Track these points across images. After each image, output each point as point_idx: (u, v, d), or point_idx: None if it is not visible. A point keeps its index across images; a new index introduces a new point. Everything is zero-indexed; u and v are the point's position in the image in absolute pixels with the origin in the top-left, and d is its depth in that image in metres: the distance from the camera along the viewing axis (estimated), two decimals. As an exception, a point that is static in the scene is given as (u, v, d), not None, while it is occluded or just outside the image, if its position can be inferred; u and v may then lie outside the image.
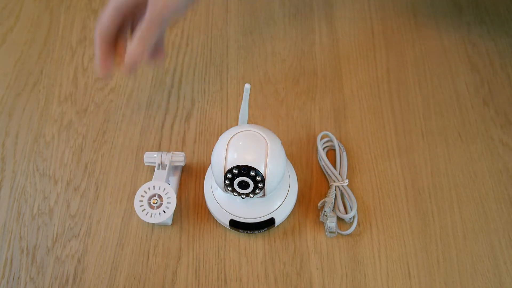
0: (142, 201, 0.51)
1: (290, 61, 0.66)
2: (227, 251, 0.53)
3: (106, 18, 0.46)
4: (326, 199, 0.53)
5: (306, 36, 0.68)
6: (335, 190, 0.54)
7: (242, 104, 0.48)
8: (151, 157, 0.56)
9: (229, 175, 0.45)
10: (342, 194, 0.55)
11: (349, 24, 0.69)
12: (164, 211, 0.51)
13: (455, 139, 0.59)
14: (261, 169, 0.44)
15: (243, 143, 0.45)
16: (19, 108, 0.64)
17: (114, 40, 0.48)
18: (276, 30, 0.69)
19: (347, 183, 0.55)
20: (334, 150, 0.58)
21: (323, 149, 0.58)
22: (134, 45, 0.45)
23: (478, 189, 0.56)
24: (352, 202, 0.53)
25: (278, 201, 0.52)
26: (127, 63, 0.46)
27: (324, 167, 0.57)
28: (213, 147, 0.48)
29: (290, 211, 0.53)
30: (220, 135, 0.48)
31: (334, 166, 0.56)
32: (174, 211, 0.53)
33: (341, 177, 0.55)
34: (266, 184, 0.45)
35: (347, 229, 0.53)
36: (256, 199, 0.50)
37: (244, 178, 0.45)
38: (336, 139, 0.58)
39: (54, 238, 0.54)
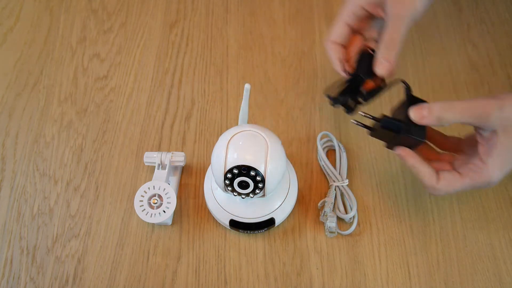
0: (142, 201, 0.51)
1: (290, 61, 0.66)
2: (227, 251, 0.53)
3: (335, 28, 0.47)
4: (326, 199, 0.53)
5: (306, 36, 0.68)
6: (335, 190, 0.54)
7: (242, 104, 0.48)
8: (151, 157, 0.56)
9: (229, 175, 0.45)
10: (342, 194, 0.55)
11: (349, 24, 0.69)
12: (164, 211, 0.51)
13: (455, 139, 0.59)
14: (261, 169, 0.44)
15: (243, 143, 0.45)
16: (19, 108, 0.64)
17: (345, 46, 0.48)
18: (276, 30, 0.69)
19: (347, 183, 0.55)
20: (334, 150, 0.58)
21: (323, 149, 0.58)
22: (384, 50, 0.45)
23: (478, 189, 0.56)
24: (352, 202, 0.53)
25: (278, 201, 0.52)
26: (385, 70, 0.45)
27: (324, 167, 0.57)
28: (213, 147, 0.48)
29: (290, 211, 0.53)
30: (220, 135, 0.48)
31: (334, 166, 0.56)
32: (174, 211, 0.53)
33: (341, 177, 0.55)
34: (266, 184, 0.45)
35: (347, 229, 0.53)
36: (256, 199, 0.50)
37: (244, 178, 0.45)
38: (336, 139, 0.58)
39: (54, 238, 0.54)
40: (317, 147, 0.58)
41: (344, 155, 0.57)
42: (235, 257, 0.53)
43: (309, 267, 0.52)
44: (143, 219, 0.51)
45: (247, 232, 0.52)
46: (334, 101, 0.46)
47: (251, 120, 0.62)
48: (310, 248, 0.53)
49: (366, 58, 0.47)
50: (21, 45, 0.69)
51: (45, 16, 0.72)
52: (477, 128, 0.42)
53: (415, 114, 0.41)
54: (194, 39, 0.69)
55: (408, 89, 0.44)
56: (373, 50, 0.48)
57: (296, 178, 0.55)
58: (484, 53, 0.65)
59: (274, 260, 0.52)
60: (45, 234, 0.55)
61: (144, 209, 0.51)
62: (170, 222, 0.54)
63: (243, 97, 0.46)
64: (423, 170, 0.42)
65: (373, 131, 0.45)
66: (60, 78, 0.66)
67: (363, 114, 0.45)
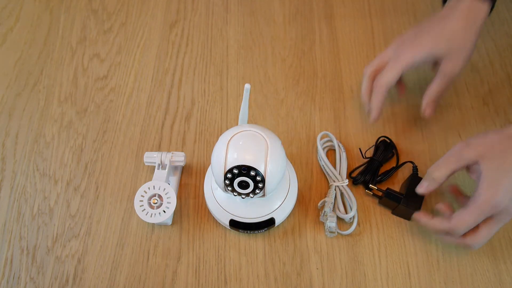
0: (142, 201, 0.51)
1: (290, 61, 0.66)
2: (227, 251, 0.53)
3: (394, 76, 0.53)
4: (326, 199, 0.53)
5: (306, 36, 0.68)
6: (335, 190, 0.54)
7: (242, 104, 0.48)
8: (151, 157, 0.56)
9: (229, 175, 0.45)
10: (342, 194, 0.54)
11: (349, 24, 0.69)
12: (164, 211, 0.51)
13: (455, 139, 0.59)
14: (261, 169, 0.44)
15: (243, 143, 0.45)
16: (19, 108, 0.64)
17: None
18: (276, 30, 0.69)
19: (347, 183, 0.55)
20: (334, 150, 0.58)
21: (323, 149, 0.58)
22: (429, 97, 0.55)
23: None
24: (352, 202, 0.53)
25: (278, 201, 0.52)
26: (427, 112, 0.56)
27: (324, 167, 0.57)
28: (213, 147, 0.48)
29: (290, 211, 0.53)
30: (220, 135, 0.48)
31: (334, 166, 0.56)
32: (174, 211, 0.53)
33: (341, 177, 0.55)
34: (266, 184, 0.45)
35: (347, 229, 0.53)
36: (256, 199, 0.50)
37: (244, 178, 0.45)
38: (336, 139, 0.58)
39: (54, 238, 0.54)
40: (317, 147, 0.58)
41: (344, 155, 0.57)
42: (235, 257, 0.53)
43: (309, 267, 0.52)
44: (143, 219, 0.51)
45: (247, 232, 0.52)
46: (356, 181, 0.55)
47: (251, 120, 0.62)
48: (310, 248, 0.53)
49: (382, 145, 0.57)
50: (21, 45, 0.69)
51: (45, 16, 0.72)
52: (468, 170, 0.49)
53: (420, 189, 0.51)
54: (194, 39, 0.69)
55: (416, 168, 0.55)
56: (388, 138, 0.58)
57: (296, 178, 0.55)
58: (484, 53, 0.65)
59: (274, 260, 0.52)
60: (45, 234, 0.55)
61: (144, 209, 0.51)
62: (170, 222, 0.54)
63: (243, 97, 0.46)
64: (434, 222, 0.49)
65: (381, 200, 0.55)
66: (60, 78, 0.66)
67: (373, 187, 0.55)
